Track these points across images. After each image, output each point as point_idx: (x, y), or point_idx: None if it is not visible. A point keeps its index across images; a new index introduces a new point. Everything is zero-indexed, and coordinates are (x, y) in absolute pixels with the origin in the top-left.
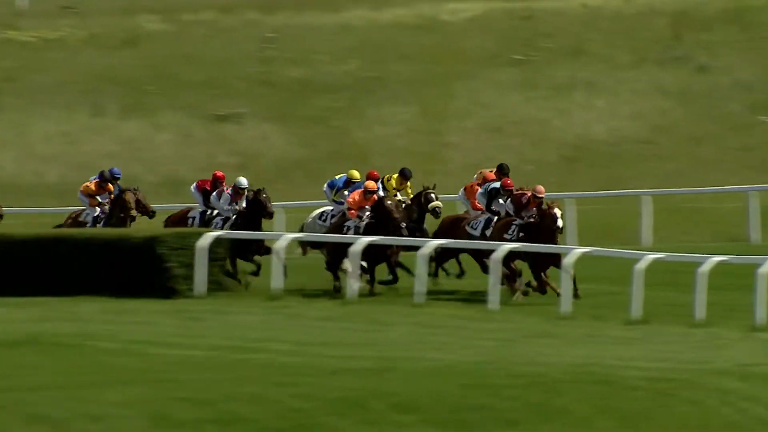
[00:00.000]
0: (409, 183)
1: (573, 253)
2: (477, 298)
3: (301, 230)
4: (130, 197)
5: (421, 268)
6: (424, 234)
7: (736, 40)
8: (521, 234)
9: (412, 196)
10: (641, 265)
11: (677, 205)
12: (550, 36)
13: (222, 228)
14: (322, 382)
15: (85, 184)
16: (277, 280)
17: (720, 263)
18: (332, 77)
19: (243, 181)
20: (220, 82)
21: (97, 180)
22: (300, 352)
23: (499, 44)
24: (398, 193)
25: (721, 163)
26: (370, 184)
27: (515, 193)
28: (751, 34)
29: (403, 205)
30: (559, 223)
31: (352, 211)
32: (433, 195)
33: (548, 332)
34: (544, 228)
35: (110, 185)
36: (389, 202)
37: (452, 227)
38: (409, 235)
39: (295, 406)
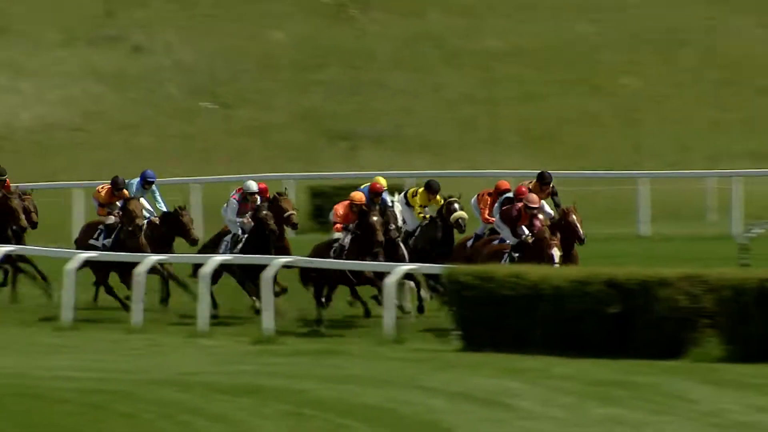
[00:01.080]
0: (438, 197)
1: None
2: None
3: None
4: (135, 206)
5: None
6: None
7: (175, 18)
8: (517, 255)
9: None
10: (72, 265)
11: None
12: None
13: (231, 252)
14: None
15: (97, 189)
16: None
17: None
18: None
19: (252, 185)
20: None
21: (109, 186)
22: None
23: None
24: (425, 210)
25: (160, 152)
26: (357, 195)
27: (503, 207)
28: (191, 12)
29: (428, 219)
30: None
31: (338, 225)
32: (456, 205)
33: None
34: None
35: (125, 191)
36: (374, 218)
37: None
38: (435, 261)
39: None
